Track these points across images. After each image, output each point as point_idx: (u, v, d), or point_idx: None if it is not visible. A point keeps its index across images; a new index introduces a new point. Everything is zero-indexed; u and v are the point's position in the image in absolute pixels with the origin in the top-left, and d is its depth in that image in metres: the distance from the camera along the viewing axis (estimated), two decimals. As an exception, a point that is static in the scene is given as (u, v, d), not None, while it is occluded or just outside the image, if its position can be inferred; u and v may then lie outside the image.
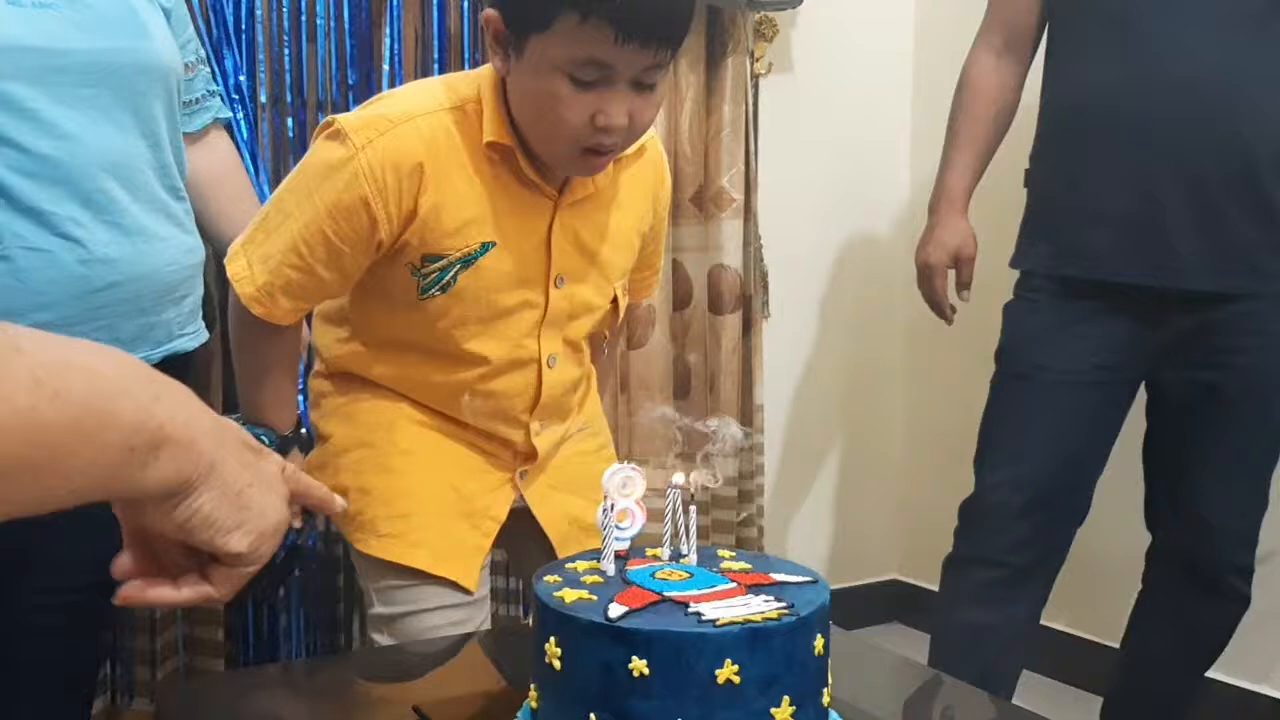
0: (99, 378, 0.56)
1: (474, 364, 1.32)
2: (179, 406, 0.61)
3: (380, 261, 1.26)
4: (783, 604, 0.83)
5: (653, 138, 1.39)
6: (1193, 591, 1.89)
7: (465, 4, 2.14)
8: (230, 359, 1.74)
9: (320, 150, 1.23)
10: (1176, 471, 1.87)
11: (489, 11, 1.18)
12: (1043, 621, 1.98)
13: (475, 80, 1.25)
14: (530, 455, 1.40)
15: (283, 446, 1.44)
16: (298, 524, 1.51)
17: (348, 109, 2.05)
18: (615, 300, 1.41)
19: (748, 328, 2.46)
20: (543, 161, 1.25)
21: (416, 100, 1.24)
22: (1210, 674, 1.98)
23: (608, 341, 1.53)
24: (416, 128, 1.21)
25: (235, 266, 1.27)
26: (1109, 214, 1.76)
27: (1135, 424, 1.91)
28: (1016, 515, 1.84)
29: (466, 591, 1.34)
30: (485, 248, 1.26)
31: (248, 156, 1.90)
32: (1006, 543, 1.85)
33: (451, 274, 1.26)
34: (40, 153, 1.30)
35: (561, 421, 1.42)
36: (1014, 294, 1.91)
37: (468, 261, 1.26)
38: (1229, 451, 1.81)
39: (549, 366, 1.35)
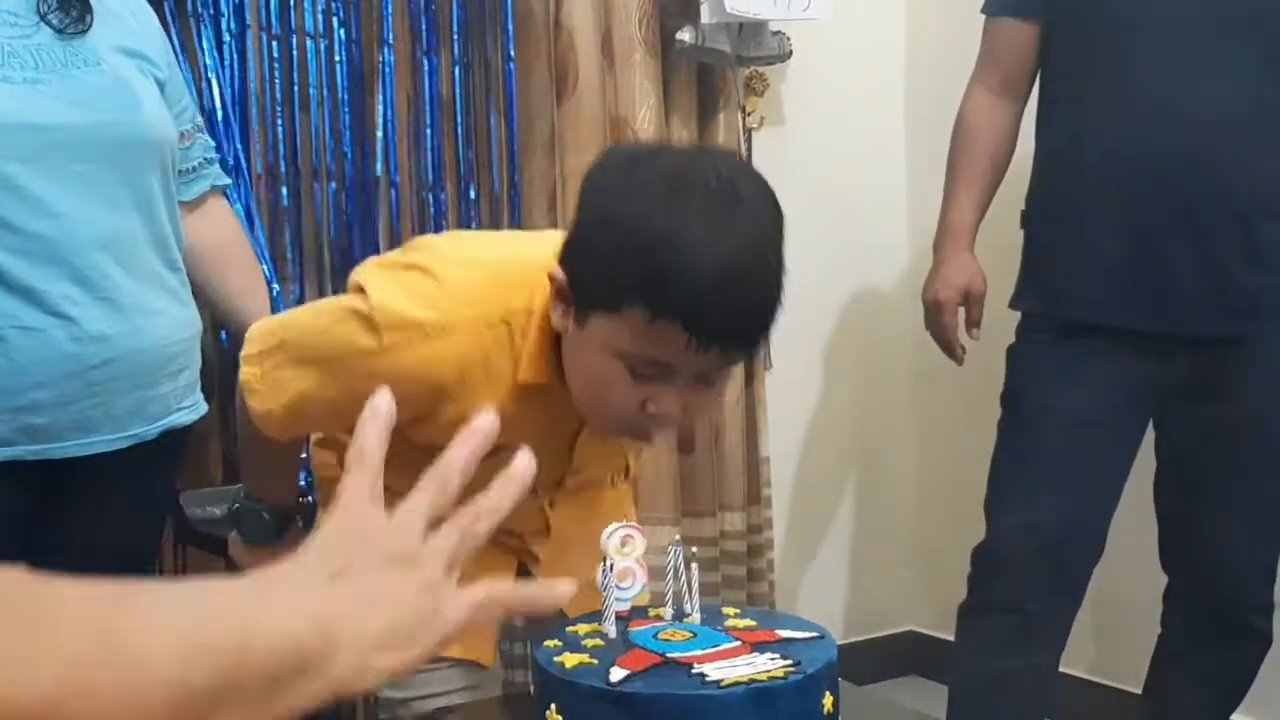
0: (231, 614, 0.51)
1: None
2: (297, 602, 0.54)
3: None
4: (789, 661, 0.81)
5: None
6: (1211, 632, 1.86)
7: (457, 70, 2.16)
8: (227, 433, 1.73)
9: (348, 322, 1.13)
10: (1188, 510, 1.85)
11: (556, 269, 1.08)
12: (1062, 668, 1.95)
13: (530, 285, 1.13)
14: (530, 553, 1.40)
15: (283, 524, 1.43)
16: None
17: (343, 178, 2.07)
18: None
19: (750, 380, 2.45)
20: None
21: (460, 304, 1.12)
22: (1236, 716, 1.94)
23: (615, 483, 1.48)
24: (451, 346, 1.11)
25: (248, 372, 1.22)
26: (1105, 258, 1.76)
27: (1151, 462, 1.89)
28: (1030, 559, 1.82)
29: (480, 668, 1.32)
30: (498, 451, 1.24)
31: (243, 228, 1.90)
32: (1021, 588, 1.83)
33: None
34: (32, 231, 1.29)
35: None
36: (1016, 336, 1.90)
37: None
38: (1240, 488, 1.79)
39: (550, 509, 1.35)
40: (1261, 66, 1.70)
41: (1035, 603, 1.83)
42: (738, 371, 2.40)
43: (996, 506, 1.89)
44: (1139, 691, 2.03)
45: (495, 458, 1.22)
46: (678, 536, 0.93)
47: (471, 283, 1.14)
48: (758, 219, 1.05)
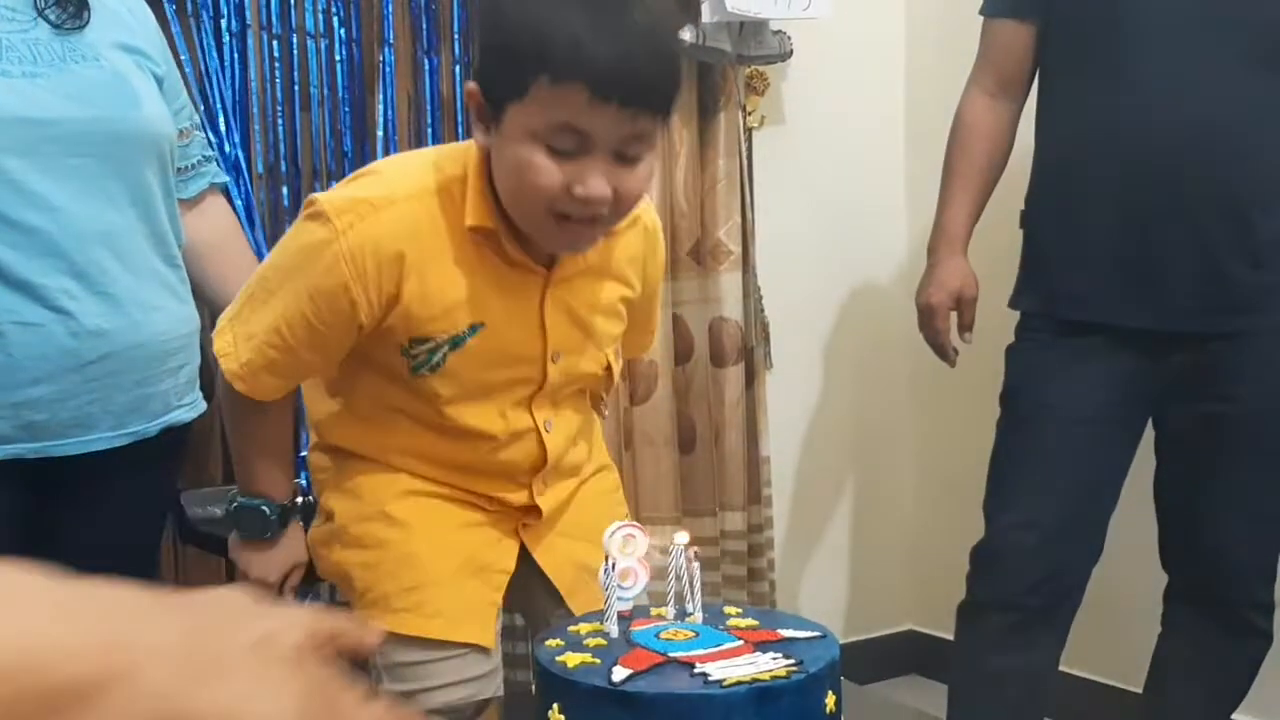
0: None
1: (472, 439, 1.32)
2: (117, 625, 0.44)
3: (368, 340, 1.26)
4: (791, 661, 0.81)
5: (647, 205, 1.36)
6: (1212, 631, 1.86)
7: (458, 69, 2.16)
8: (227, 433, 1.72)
9: (302, 231, 1.23)
10: (1188, 508, 1.85)
11: (469, 84, 1.17)
12: (1063, 667, 1.95)
13: (463, 157, 1.23)
14: (533, 511, 1.39)
15: (284, 517, 1.43)
16: (290, 600, 1.49)
17: (343, 177, 2.07)
18: (608, 366, 1.41)
19: (750, 380, 2.45)
20: (530, 240, 1.23)
21: (400, 181, 1.22)
22: (1237, 716, 1.94)
23: (604, 403, 1.52)
24: (399, 213, 1.19)
25: (221, 342, 1.28)
26: (1104, 257, 1.77)
27: (1151, 460, 1.89)
28: (1029, 557, 1.82)
29: (483, 652, 1.33)
30: (473, 329, 1.25)
31: (244, 227, 1.90)
32: (1021, 585, 1.83)
33: (440, 355, 1.25)
34: (29, 225, 1.29)
35: (567, 477, 1.42)
36: (1015, 335, 1.91)
37: (456, 343, 1.25)
38: (1239, 485, 1.79)
39: (546, 431, 1.35)
40: (1257, 64, 1.69)
41: (1034, 601, 1.83)
42: (737, 371, 2.40)
43: (995, 505, 1.89)
44: (1139, 691, 2.02)
45: (475, 338, 1.24)
46: (684, 537, 0.93)
47: (408, 165, 1.26)
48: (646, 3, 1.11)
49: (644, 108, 1.10)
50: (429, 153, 1.29)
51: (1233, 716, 1.94)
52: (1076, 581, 1.88)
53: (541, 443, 1.34)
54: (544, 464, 1.36)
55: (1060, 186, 1.83)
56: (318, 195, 1.22)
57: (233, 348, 1.26)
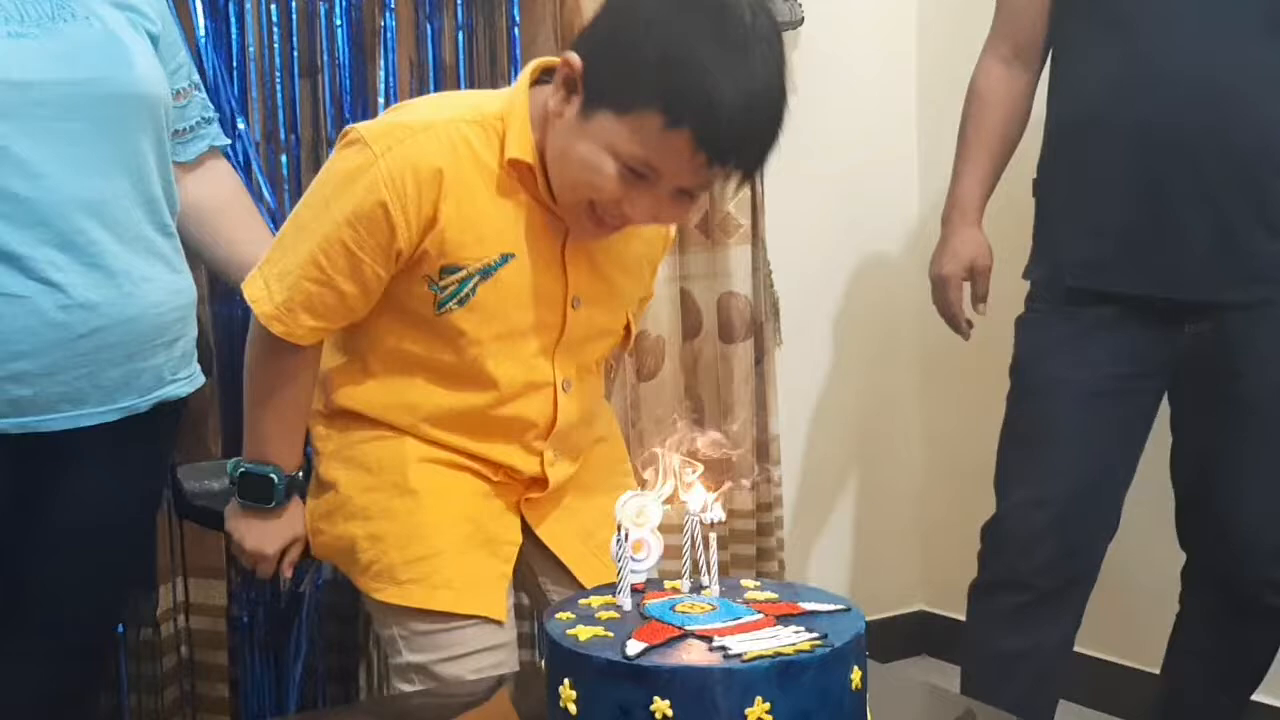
0: None
1: (486, 387, 1.30)
2: None
3: (398, 275, 1.26)
4: (815, 635, 0.77)
5: None
6: (1230, 610, 1.83)
7: (460, 35, 2.11)
8: (226, 406, 1.69)
9: (339, 159, 1.24)
10: (1205, 484, 1.82)
11: (572, 55, 1.16)
12: (1077, 648, 1.93)
13: (500, 101, 1.25)
14: (539, 483, 1.37)
15: (289, 487, 1.39)
16: (288, 574, 1.46)
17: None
18: (627, 326, 1.41)
19: (760, 356, 2.42)
20: None
21: (438, 109, 1.27)
22: (1255, 697, 1.92)
23: (612, 368, 1.51)
24: (436, 135, 1.22)
25: (253, 289, 1.27)
26: (1115, 224, 1.74)
27: (1169, 434, 1.85)
28: (1042, 535, 1.79)
29: (497, 624, 1.31)
30: (504, 259, 1.25)
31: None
32: (1033, 564, 1.80)
33: (470, 285, 1.25)
34: (14, 193, 1.24)
35: (573, 461, 1.40)
36: (1025, 306, 1.88)
37: (486, 273, 1.25)
38: (1258, 460, 1.76)
39: (564, 391, 1.33)
40: (1271, 29, 1.67)
41: (1047, 578, 1.81)
42: (746, 347, 2.37)
43: (1006, 482, 1.87)
44: (1156, 672, 2.01)
45: (505, 269, 1.24)
46: (699, 495, 0.89)
47: (445, 98, 1.37)
48: (771, 42, 1.10)
49: (740, 169, 1.13)
50: (468, 94, 1.37)
51: (1251, 697, 1.92)
52: (1090, 559, 1.85)
53: (555, 402, 1.32)
54: (554, 425, 1.33)
55: (1071, 154, 1.81)
56: (354, 125, 1.25)
57: (265, 290, 1.26)
